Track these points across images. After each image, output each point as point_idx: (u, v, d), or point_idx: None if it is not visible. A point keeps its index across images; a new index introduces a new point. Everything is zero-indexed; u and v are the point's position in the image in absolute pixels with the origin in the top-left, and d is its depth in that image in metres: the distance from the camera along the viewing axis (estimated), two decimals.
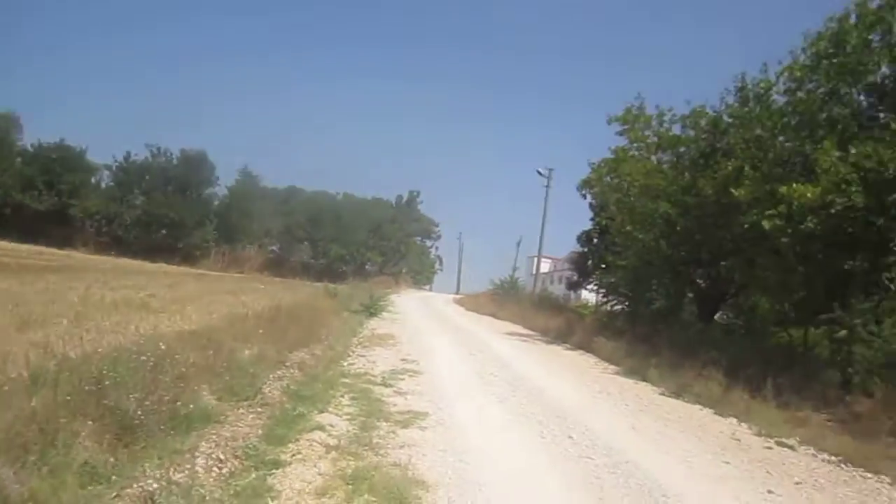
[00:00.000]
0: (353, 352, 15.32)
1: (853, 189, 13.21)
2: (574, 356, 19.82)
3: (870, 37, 14.89)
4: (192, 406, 6.94)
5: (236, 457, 6.25)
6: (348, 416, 8.64)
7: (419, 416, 9.03)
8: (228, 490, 5.48)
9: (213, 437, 6.58)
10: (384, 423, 8.44)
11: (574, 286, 43.43)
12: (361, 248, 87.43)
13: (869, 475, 8.47)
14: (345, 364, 13.32)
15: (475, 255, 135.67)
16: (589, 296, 45.39)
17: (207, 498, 5.18)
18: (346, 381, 11.30)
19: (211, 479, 5.59)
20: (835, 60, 15.26)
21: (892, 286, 13.60)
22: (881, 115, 15.20)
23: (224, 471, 5.85)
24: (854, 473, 8.54)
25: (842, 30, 15.18)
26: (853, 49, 14.90)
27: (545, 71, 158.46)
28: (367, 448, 7.17)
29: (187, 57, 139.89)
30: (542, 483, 6.64)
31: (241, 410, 7.86)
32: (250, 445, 6.58)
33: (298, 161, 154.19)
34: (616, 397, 12.78)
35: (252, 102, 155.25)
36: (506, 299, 42.08)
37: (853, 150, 13.38)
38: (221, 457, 6.10)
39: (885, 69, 15.06)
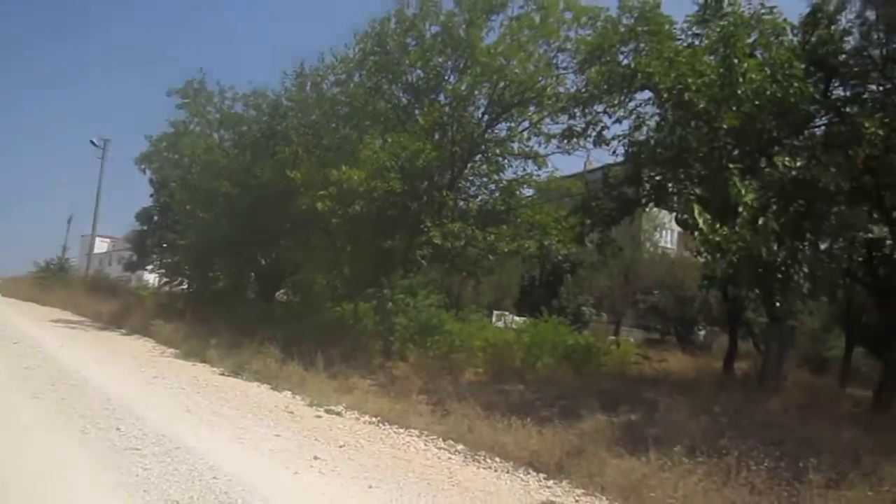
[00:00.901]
0: None
1: (392, 176, 14.75)
2: (129, 342, 18.65)
3: (406, 41, 16.74)
4: None
5: None
6: None
7: None
8: None
9: None
10: None
11: (132, 267, 40.62)
12: None
13: (402, 430, 9.61)
14: None
15: (15, 234, 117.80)
16: (150, 277, 43.02)
17: None
18: None
19: None
20: (377, 59, 16.81)
21: (423, 262, 15.62)
22: (416, 111, 17.23)
23: None
24: (390, 430, 9.60)
25: (383, 31, 16.79)
26: (393, 50, 16.60)
27: (93, 25, 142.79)
28: None
29: None
30: (78, 482, 6.04)
31: None
32: None
33: None
34: (172, 381, 12.35)
35: None
36: (53, 283, 37.77)
37: (390, 140, 14.93)
38: None
39: (419, 72, 17.08)
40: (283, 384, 12.53)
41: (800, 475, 6.45)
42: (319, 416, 10.22)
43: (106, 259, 63.88)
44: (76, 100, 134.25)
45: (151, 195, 33.36)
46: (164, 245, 29.43)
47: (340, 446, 8.34)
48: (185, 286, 27.50)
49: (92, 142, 44.57)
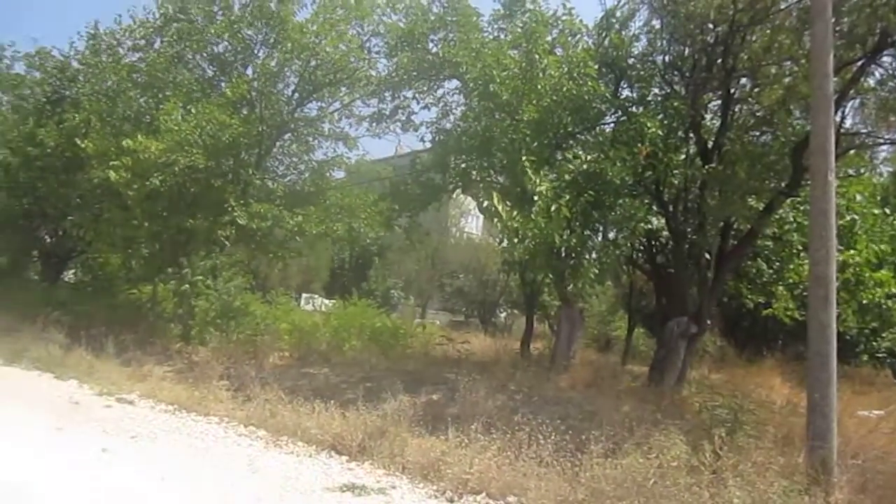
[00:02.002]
0: None
1: (195, 151, 14.00)
2: None
3: (213, 9, 15.90)
4: None
5: None
6: None
7: None
8: None
9: None
10: None
11: None
12: None
13: (201, 418, 9.21)
14: None
15: None
16: None
17: None
18: None
19: None
20: (180, 26, 15.84)
21: (227, 243, 15.04)
22: (222, 84, 16.47)
23: None
24: (187, 419, 9.17)
25: None
26: (196, 18, 15.72)
27: None
28: None
29: None
30: None
31: None
32: None
33: None
34: None
35: None
36: None
37: (193, 111, 14.15)
38: None
39: (226, 43, 16.30)
40: (68, 372, 11.56)
41: (583, 446, 6.97)
42: (109, 406, 9.55)
43: None
44: None
45: None
46: None
47: (132, 437, 7.86)
48: None
49: None
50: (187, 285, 14.08)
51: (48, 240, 21.07)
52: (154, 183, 13.98)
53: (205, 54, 16.58)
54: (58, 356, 12.35)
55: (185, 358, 13.01)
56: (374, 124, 14.98)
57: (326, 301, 26.63)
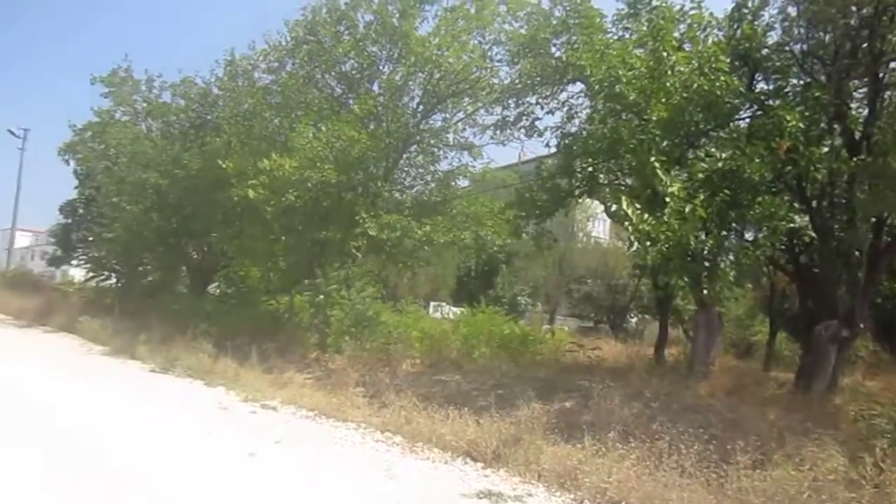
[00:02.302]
0: None
1: (327, 167, 14.57)
2: (55, 339, 18.05)
3: (339, 29, 16.52)
4: None
5: None
6: None
7: None
8: None
9: None
10: None
11: (57, 262, 39.12)
12: None
13: (339, 424, 9.55)
14: None
15: None
16: (76, 272, 41.53)
17: None
18: None
19: None
20: (309, 47, 16.55)
21: (358, 254, 15.51)
22: (350, 101, 17.05)
23: None
24: (327, 424, 9.54)
25: (314, 20, 16.55)
26: (325, 39, 16.37)
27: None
28: None
29: None
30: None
31: None
32: None
33: None
34: (98, 381, 11.97)
35: None
36: None
37: (324, 129, 14.73)
38: None
39: (352, 61, 16.88)
40: (216, 380, 12.30)
41: (727, 457, 6.64)
42: (254, 412, 10.06)
43: (28, 254, 61.48)
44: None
45: (76, 187, 32.10)
46: (91, 239, 28.36)
47: (276, 442, 8.22)
48: (113, 281, 26.62)
49: (10, 131, 42.69)
50: (322, 296, 14.58)
51: (195, 255, 22.50)
52: (289, 199, 14.66)
53: (333, 73, 17.21)
54: (206, 364, 13.14)
55: (322, 366, 13.49)
56: (498, 132, 14.99)
57: (454, 309, 26.84)
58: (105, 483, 6.10)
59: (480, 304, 17.33)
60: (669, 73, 10.85)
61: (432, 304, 29.59)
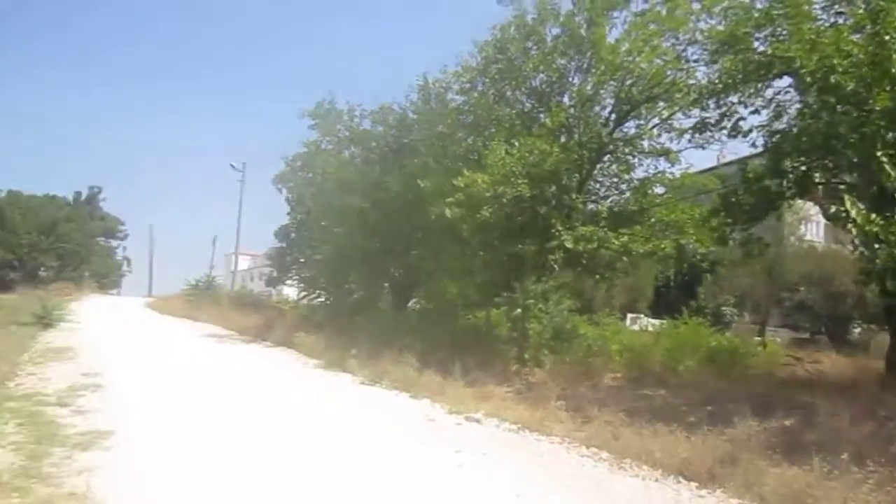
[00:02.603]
0: (22, 370, 13.39)
1: (520, 181, 14.69)
2: (274, 354, 19.54)
3: (527, 45, 16.65)
4: None
5: None
6: (13, 446, 7.47)
7: (102, 437, 8.13)
8: None
9: None
10: (58, 449, 7.45)
11: (273, 282, 42.81)
12: (32, 251, 77.04)
13: (542, 437, 9.49)
14: (10, 385, 11.58)
15: (169, 255, 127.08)
16: (290, 291, 45.06)
17: None
18: (12, 405, 9.80)
19: None
20: (500, 66, 16.81)
21: (556, 267, 15.44)
22: (540, 115, 17.10)
23: None
24: (530, 438, 9.51)
25: (503, 38, 16.79)
26: (514, 56, 16.55)
27: (234, 61, 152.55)
28: (36, 480, 6.26)
29: None
30: (228, 493, 6.34)
31: None
32: None
33: None
34: (315, 392, 12.82)
35: None
36: (203, 300, 40.20)
37: (517, 145, 14.86)
38: None
39: (541, 75, 16.94)
40: (421, 392, 12.69)
41: None
42: (460, 424, 10.25)
43: (248, 275, 67.54)
44: (221, 126, 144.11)
45: (288, 213, 34.95)
46: (302, 260, 30.70)
47: (483, 454, 8.32)
48: (322, 299, 28.55)
49: (231, 165, 47.36)
50: (520, 309, 14.65)
51: (396, 273, 23.52)
52: (484, 215, 14.91)
53: (523, 89, 17.35)
54: (412, 377, 13.60)
55: (522, 379, 13.53)
56: (696, 135, 14.34)
57: (652, 321, 25.99)
58: (330, 483, 6.51)
59: (682, 315, 16.60)
60: (894, 57, 9.81)
61: (629, 315, 28.83)
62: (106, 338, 21.57)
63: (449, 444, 8.77)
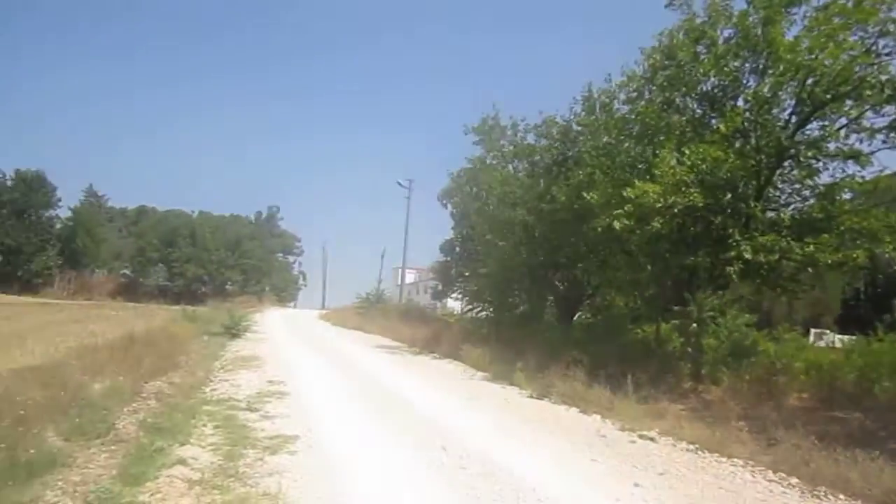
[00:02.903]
0: (216, 377, 14.62)
1: (692, 191, 14.11)
2: (442, 365, 19.93)
3: (697, 50, 15.99)
4: (32, 451, 6.30)
5: (87, 503, 5.72)
6: (212, 447, 8.16)
7: (289, 441, 8.69)
8: None
9: (60, 483, 6.01)
10: (251, 451, 8.04)
11: (439, 295, 43.83)
12: (220, 267, 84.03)
13: (724, 459, 9.01)
14: (206, 390, 12.66)
15: (339, 269, 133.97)
16: (454, 304, 45.95)
17: None
18: (209, 408, 10.72)
19: None
20: (668, 73, 16.26)
21: (734, 278, 14.65)
22: (712, 120, 16.35)
23: None
24: (710, 459, 9.05)
25: (672, 44, 16.22)
26: (683, 61, 15.94)
27: (402, 79, 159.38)
28: (233, 479, 6.79)
29: (21, 70, 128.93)
30: (419, 500, 6.51)
31: (91, 450, 7.25)
32: (103, 489, 6.04)
33: (148, 180, 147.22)
34: (485, 403, 12.91)
35: (93, 117, 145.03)
36: (372, 312, 41.83)
37: (688, 153, 14.27)
38: None
39: (713, 79, 16.21)
40: (591, 407, 12.47)
41: None
42: (633, 442, 9.96)
43: (414, 289, 69.56)
44: (388, 149, 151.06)
45: (452, 227, 35.76)
46: (467, 274, 31.21)
47: (660, 474, 8.04)
48: (487, 312, 28.83)
49: (399, 182, 49.10)
50: (695, 323, 14.02)
51: (560, 286, 23.33)
52: (655, 226, 14.44)
53: (693, 94, 16.67)
54: (580, 392, 13.38)
55: (697, 397, 12.94)
56: (891, 134, 13.12)
57: (839, 337, 24.00)
58: (506, 490, 6.54)
59: (875, 331, 15.17)
60: None
61: (813, 331, 26.78)
62: (287, 348, 23.03)
63: (623, 462, 8.56)
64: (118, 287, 76.24)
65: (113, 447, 7.46)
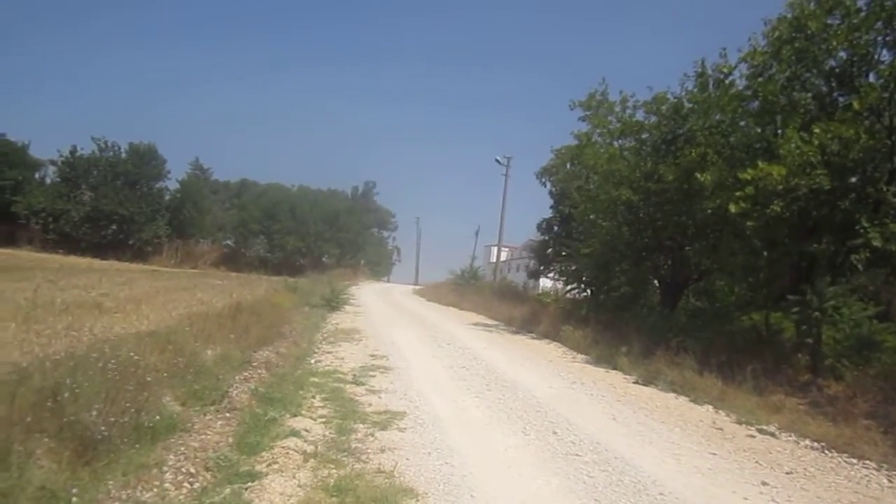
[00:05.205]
0: (319, 348, 14.90)
1: (819, 172, 13.25)
2: (541, 346, 19.66)
3: (828, 21, 14.92)
4: (156, 416, 6.48)
5: (207, 469, 5.85)
6: (323, 419, 8.25)
7: (397, 416, 8.70)
8: None
9: (181, 448, 6.14)
10: (361, 426, 8.08)
11: (534, 274, 43.37)
12: (318, 240, 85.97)
13: (854, 460, 8.43)
14: (312, 362, 12.91)
15: (432, 244, 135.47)
16: (548, 284, 45.42)
17: None
18: (316, 380, 10.90)
19: (182, 496, 5.18)
20: (796, 45, 15.23)
21: (859, 267, 13.73)
22: (840, 98, 15.29)
23: (196, 486, 5.44)
24: (839, 459, 8.49)
25: (802, 15, 15.16)
26: (813, 34, 14.90)
27: (505, 52, 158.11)
28: (346, 454, 6.81)
29: (132, 47, 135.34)
30: (535, 486, 6.34)
31: (208, 417, 7.41)
32: (222, 456, 6.16)
33: (251, 154, 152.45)
34: (590, 388, 12.59)
35: (201, 94, 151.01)
36: (466, 289, 41.88)
37: (817, 132, 13.37)
38: (192, 470, 5.69)
39: (842, 54, 15.12)
40: (701, 397, 11.98)
41: None
42: (752, 436, 9.45)
43: (506, 267, 69.27)
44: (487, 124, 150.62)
45: (551, 206, 35.17)
46: (565, 253, 30.66)
47: (787, 473, 7.57)
48: (586, 293, 28.30)
49: (497, 160, 48.70)
50: (817, 313, 13.20)
51: (665, 269, 22.53)
52: (774, 210, 13.65)
53: (820, 69, 15.60)
54: (690, 380, 12.88)
55: (818, 391, 12.21)
56: None
57: None
58: (624, 480, 6.30)
59: None
60: None
61: None
62: (386, 322, 23.30)
63: (745, 458, 8.13)
64: (221, 256, 79.34)
65: (227, 415, 7.61)
